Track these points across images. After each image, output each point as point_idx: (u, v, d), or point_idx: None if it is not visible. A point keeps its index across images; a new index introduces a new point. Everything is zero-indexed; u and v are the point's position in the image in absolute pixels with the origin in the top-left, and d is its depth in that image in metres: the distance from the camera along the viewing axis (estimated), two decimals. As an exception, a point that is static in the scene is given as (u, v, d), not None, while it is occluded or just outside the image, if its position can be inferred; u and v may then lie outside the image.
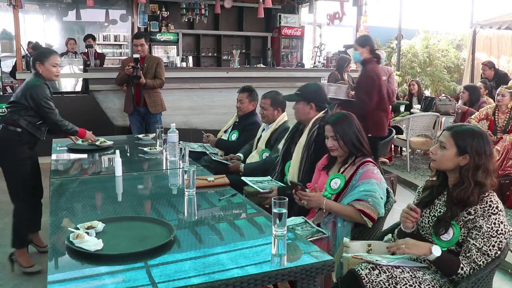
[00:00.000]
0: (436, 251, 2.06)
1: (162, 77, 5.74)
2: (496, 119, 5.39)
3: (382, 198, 2.56)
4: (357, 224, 2.62)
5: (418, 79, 12.39)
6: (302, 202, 2.63)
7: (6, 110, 3.62)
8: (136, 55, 5.54)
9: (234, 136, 4.41)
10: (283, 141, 3.55)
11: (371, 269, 2.07)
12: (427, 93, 11.00)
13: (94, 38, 8.49)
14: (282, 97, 3.65)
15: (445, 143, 2.15)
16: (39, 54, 3.70)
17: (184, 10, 8.93)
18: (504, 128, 5.29)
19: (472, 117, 5.66)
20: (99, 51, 9.09)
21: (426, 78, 12.18)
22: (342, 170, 2.71)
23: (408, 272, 2.08)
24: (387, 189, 2.70)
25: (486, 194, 2.09)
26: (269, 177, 3.43)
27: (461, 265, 2.04)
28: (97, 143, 3.96)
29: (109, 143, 4.00)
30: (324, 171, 2.84)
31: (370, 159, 2.67)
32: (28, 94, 3.48)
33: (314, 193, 2.63)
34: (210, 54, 10.11)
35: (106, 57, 8.79)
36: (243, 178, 3.34)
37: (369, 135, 3.84)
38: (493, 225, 2.02)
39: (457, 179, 2.15)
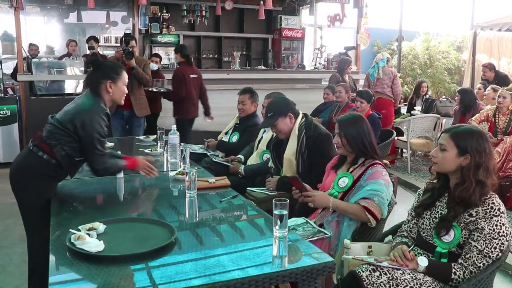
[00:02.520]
0: (422, 261, 2.09)
1: (150, 76, 5.73)
2: (497, 121, 5.40)
3: (387, 200, 2.57)
4: (361, 224, 2.63)
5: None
6: (307, 200, 2.65)
7: (44, 129, 2.67)
8: (128, 31, 5.56)
9: (235, 138, 4.41)
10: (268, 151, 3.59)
11: (371, 271, 2.07)
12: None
13: (96, 40, 8.49)
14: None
15: (445, 145, 2.15)
16: (109, 69, 2.76)
17: (185, 11, 8.94)
18: (505, 130, 5.30)
19: (473, 118, 5.66)
20: (101, 53, 9.09)
21: (426, 80, 12.19)
22: (351, 170, 2.72)
23: (409, 274, 2.08)
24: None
25: (488, 196, 2.09)
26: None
27: (453, 270, 2.05)
28: None
29: (110, 144, 4.00)
30: (333, 170, 2.86)
31: (380, 162, 2.68)
32: (79, 120, 2.57)
33: (318, 192, 2.65)
34: (211, 56, 10.12)
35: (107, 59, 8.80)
36: (248, 189, 3.39)
37: (176, 116, 6.20)
38: (494, 227, 2.02)
39: (459, 179, 2.15)
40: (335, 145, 2.81)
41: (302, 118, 3.30)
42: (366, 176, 2.62)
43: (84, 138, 2.57)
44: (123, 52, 5.37)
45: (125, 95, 2.80)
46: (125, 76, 2.77)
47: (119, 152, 3.30)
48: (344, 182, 2.68)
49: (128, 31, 5.62)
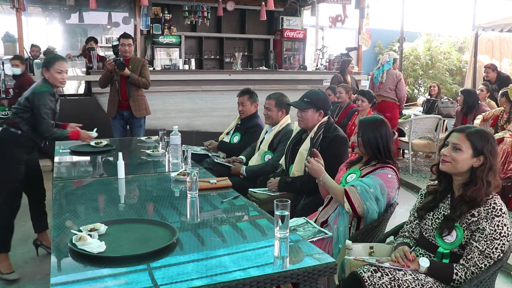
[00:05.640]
0: (424, 262, 2.09)
1: (147, 78, 5.66)
2: (500, 118, 5.48)
3: (378, 200, 2.56)
4: (358, 225, 2.63)
5: (420, 81, 12.38)
6: (306, 164, 2.80)
7: (10, 112, 3.62)
8: (115, 43, 5.53)
9: (236, 139, 4.41)
10: (286, 146, 3.58)
11: (373, 272, 2.07)
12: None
13: (96, 41, 8.51)
14: (290, 103, 3.69)
15: (460, 145, 2.13)
16: (46, 60, 3.71)
17: (187, 12, 8.93)
18: (502, 127, 5.39)
19: (479, 117, 5.74)
20: (101, 54, 9.10)
21: (428, 81, 12.19)
22: (361, 168, 2.75)
23: (411, 275, 2.08)
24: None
25: (490, 196, 2.09)
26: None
27: (455, 270, 2.04)
28: (94, 144, 3.97)
29: (105, 142, 4.02)
30: (345, 167, 2.89)
31: (391, 166, 2.68)
32: (30, 98, 3.48)
33: (317, 164, 2.75)
34: (212, 57, 10.11)
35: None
36: (250, 190, 3.39)
37: None
38: (496, 228, 2.02)
39: (466, 180, 2.14)
40: (349, 149, 2.87)
41: (326, 118, 3.36)
42: (372, 174, 2.64)
43: (34, 111, 3.44)
44: (115, 64, 5.35)
45: (63, 82, 3.62)
46: (58, 65, 3.55)
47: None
48: (352, 177, 2.73)
49: (115, 43, 5.58)
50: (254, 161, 3.97)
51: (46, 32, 11.44)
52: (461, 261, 2.06)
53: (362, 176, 2.68)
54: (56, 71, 3.55)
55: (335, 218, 2.67)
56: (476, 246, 2.03)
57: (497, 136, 5.17)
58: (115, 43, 5.54)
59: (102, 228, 2.02)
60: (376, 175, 2.61)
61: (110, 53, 10.53)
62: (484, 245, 2.01)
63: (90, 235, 1.91)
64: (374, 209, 2.56)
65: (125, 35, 5.71)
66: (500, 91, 5.65)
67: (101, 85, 5.77)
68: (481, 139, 2.11)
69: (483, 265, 2.01)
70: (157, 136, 4.28)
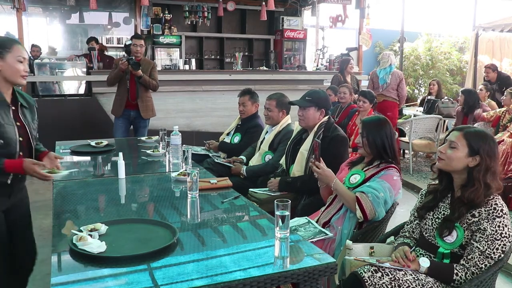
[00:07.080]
0: (424, 262, 2.10)
1: (157, 80, 5.70)
2: (502, 117, 5.49)
3: (386, 203, 2.57)
4: (361, 224, 2.63)
5: (421, 81, 12.38)
6: (314, 170, 2.73)
7: None
8: (128, 42, 5.54)
9: (236, 139, 4.41)
10: (286, 146, 3.58)
11: (373, 272, 2.07)
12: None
13: (97, 41, 8.51)
14: (291, 102, 3.70)
15: (456, 143, 2.13)
16: None
17: (187, 13, 8.95)
18: (504, 127, 5.40)
19: (484, 115, 5.76)
20: (109, 54, 9.06)
21: (428, 81, 12.20)
22: (365, 169, 2.75)
23: (411, 275, 2.08)
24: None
25: (491, 197, 2.09)
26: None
27: (455, 270, 2.04)
28: (95, 144, 3.96)
29: (105, 142, 4.02)
30: (347, 167, 2.89)
31: (395, 166, 2.68)
32: None
33: (328, 169, 2.70)
34: (213, 57, 10.12)
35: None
36: (250, 190, 3.39)
37: None
38: (497, 228, 2.02)
39: (465, 180, 2.14)
40: (349, 149, 2.86)
41: (327, 118, 3.36)
42: (378, 177, 2.63)
43: None
44: (129, 63, 5.36)
45: (25, 76, 2.48)
46: (18, 51, 2.41)
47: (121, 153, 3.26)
48: (356, 178, 2.72)
49: (128, 42, 5.59)
50: (255, 161, 3.97)
51: (46, 32, 11.42)
52: (462, 261, 2.06)
53: (367, 178, 2.66)
54: (16, 59, 2.40)
55: (338, 219, 2.67)
56: (477, 247, 2.03)
57: (497, 136, 5.17)
58: (128, 42, 5.56)
59: (103, 228, 2.02)
60: (382, 178, 2.61)
61: (110, 53, 10.54)
62: (485, 245, 2.01)
63: (91, 235, 1.91)
64: (383, 214, 2.58)
65: (137, 36, 5.75)
66: (507, 90, 5.65)
67: (110, 83, 5.74)
68: (479, 139, 2.11)
69: (483, 266, 2.01)
70: (158, 136, 4.28)
